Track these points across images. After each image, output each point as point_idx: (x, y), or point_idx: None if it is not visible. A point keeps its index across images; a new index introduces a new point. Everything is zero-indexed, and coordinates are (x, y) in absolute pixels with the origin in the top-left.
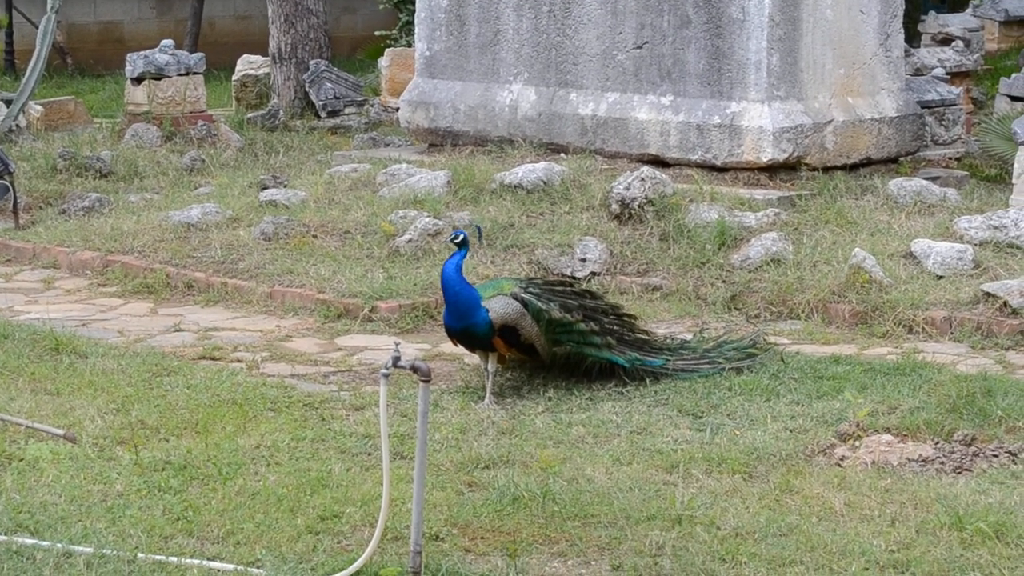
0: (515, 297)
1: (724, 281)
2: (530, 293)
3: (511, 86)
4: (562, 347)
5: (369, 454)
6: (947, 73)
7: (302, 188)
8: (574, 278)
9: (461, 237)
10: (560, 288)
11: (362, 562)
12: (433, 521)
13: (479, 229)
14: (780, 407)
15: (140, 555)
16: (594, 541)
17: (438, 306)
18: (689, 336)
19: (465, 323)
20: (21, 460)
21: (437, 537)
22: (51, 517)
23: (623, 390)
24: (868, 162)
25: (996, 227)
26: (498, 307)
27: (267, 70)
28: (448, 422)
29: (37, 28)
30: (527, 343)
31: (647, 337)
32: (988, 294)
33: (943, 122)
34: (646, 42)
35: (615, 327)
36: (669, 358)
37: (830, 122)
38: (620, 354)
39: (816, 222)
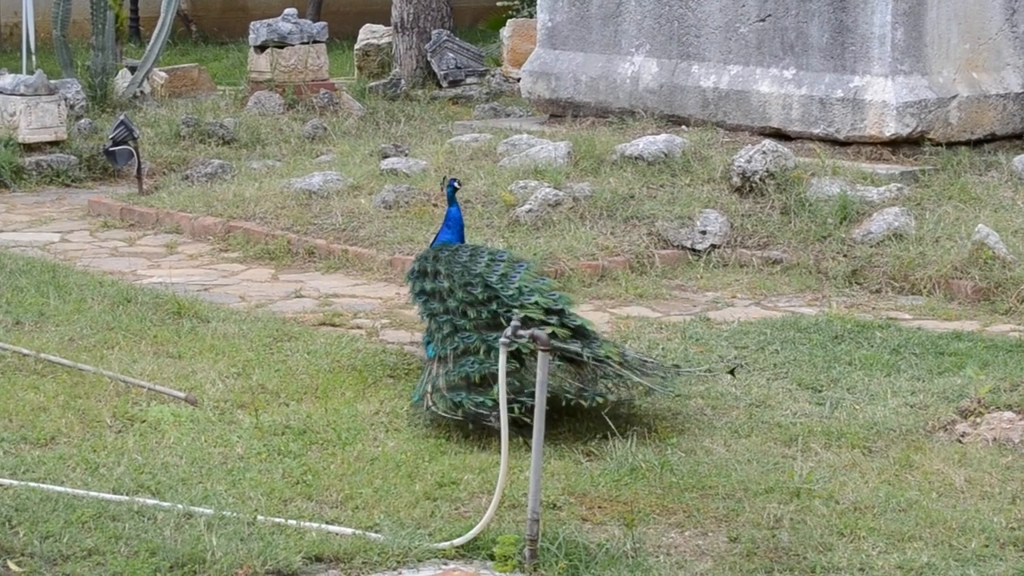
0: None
1: (845, 255)
2: (421, 258)
3: (633, 58)
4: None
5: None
6: None
7: (423, 157)
8: (694, 248)
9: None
10: (452, 259)
11: (479, 529)
12: (551, 489)
13: (452, 184)
14: (901, 382)
15: (259, 517)
16: (711, 512)
17: (558, 276)
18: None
19: None
20: (143, 422)
21: (554, 506)
22: (172, 478)
23: (741, 363)
24: (992, 138)
25: None
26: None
27: (389, 39)
28: None
29: None
30: None
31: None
32: None
33: None
34: (769, 15)
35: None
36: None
37: (954, 97)
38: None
39: (939, 197)
